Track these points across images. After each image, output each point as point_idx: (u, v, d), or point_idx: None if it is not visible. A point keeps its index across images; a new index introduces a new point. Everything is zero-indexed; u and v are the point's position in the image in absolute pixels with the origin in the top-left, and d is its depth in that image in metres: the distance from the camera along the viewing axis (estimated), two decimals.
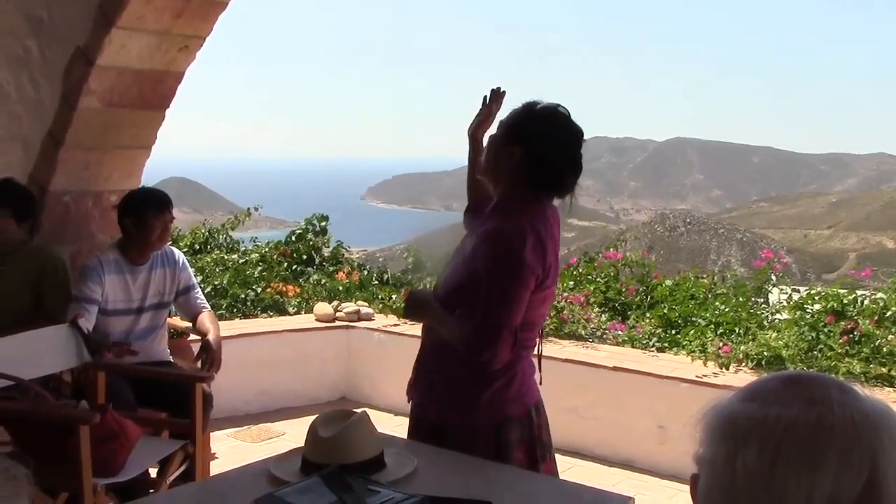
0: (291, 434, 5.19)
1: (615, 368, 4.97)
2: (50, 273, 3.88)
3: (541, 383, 2.61)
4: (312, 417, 5.37)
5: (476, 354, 2.33)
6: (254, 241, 8.31)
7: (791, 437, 0.93)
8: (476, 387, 2.42)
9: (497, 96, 2.72)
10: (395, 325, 6.07)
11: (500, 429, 2.43)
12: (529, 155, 2.38)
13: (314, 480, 2.03)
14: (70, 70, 3.92)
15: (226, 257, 7.36)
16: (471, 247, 2.43)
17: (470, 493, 2.05)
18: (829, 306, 5.10)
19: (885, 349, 4.70)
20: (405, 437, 2.63)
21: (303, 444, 2.31)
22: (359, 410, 2.37)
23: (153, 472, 3.59)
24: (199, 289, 4.20)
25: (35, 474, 0.99)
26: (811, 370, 4.45)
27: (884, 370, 4.59)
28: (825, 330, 4.97)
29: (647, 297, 6.28)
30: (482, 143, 2.66)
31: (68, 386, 3.73)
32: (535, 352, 2.61)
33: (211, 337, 3.92)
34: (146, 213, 3.79)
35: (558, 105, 2.43)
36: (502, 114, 2.55)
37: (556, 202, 2.48)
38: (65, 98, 3.96)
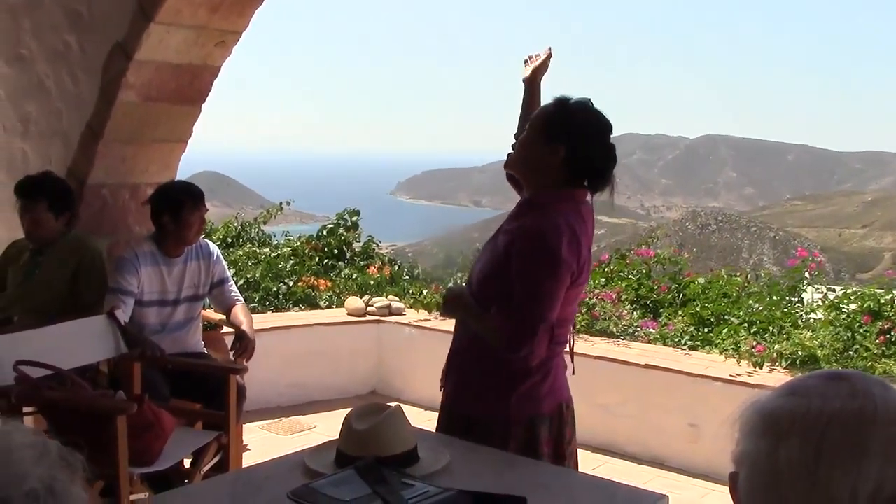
0: (323, 427, 5.22)
1: (647, 366, 4.95)
2: (87, 264, 3.93)
3: (573, 373, 2.64)
4: (343, 411, 5.39)
5: (514, 351, 2.35)
6: (285, 236, 8.38)
7: (834, 429, 0.93)
8: (511, 381, 2.44)
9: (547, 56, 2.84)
10: (426, 320, 6.09)
11: (532, 424, 2.45)
12: (572, 152, 2.40)
13: (349, 473, 2.04)
14: (109, 64, 3.97)
15: (258, 251, 7.43)
16: (504, 243, 2.44)
17: (503, 488, 2.05)
18: (865, 306, 5.04)
19: None
20: (434, 429, 2.64)
21: (335, 437, 2.33)
22: (392, 405, 2.38)
23: (186, 463, 3.63)
24: (232, 281, 4.24)
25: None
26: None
27: None
28: (861, 330, 4.91)
29: (679, 295, 6.24)
30: (539, 88, 2.75)
31: (105, 377, 3.78)
32: (567, 347, 2.61)
33: (245, 328, 3.95)
34: (183, 208, 3.81)
35: (588, 100, 2.48)
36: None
37: (589, 198, 2.50)
38: (103, 92, 4.01)
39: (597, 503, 2.10)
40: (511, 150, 2.59)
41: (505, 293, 2.37)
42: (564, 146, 2.40)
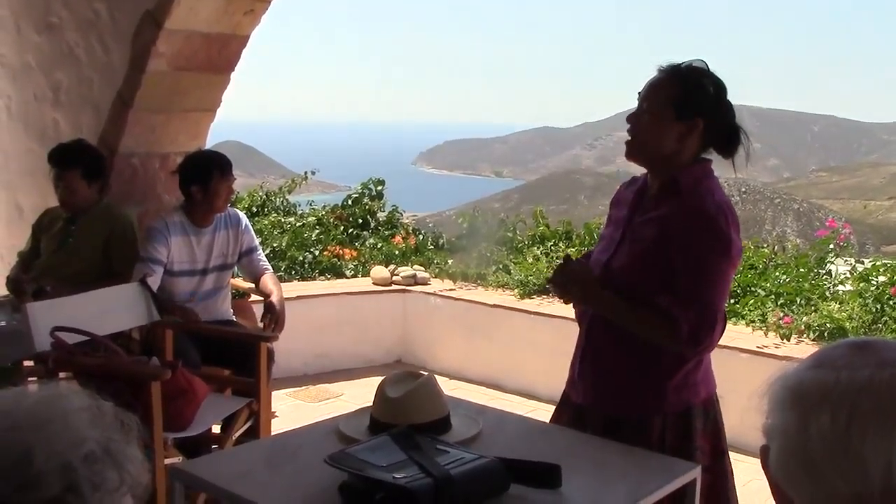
0: (349, 395, 5.27)
1: None
2: (119, 233, 3.97)
3: None
4: (369, 379, 5.44)
5: (697, 344, 2.21)
6: (310, 205, 8.40)
7: (865, 398, 0.93)
8: (664, 374, 2.30)
9: None
10: (451, 289, 6.12)
11: (688, 415, 2.33)
12: (711, 123, 2.26)
13: (383, 439, 2.06)
14: (139, 33, 3.98)
15: (283, 220, 7.46)
16: (655, 232, 2.26)
17: (536, 455, 2.06)
18: (894, 278, 5.00)
19: None
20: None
21: (362, 405, 2.35)
22: (424, 373, 2.40)
23: (215, 429, 3.68)
24: (261, 250, 4.26)
25: None
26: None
27: None
28: (890, 302, 4.88)
29: None
30: None
31: (137, 343, 3.83)
32: None
33: (274, 298, 3.98)
34: (211, 178, 3.83)
35: (696, 60, 2.29)
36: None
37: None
38: (133, 61, 4.03)
39: (629, 471, 2.11)
40: (628, 135, 2.35)
41: (660, 285, 2.23)
42: (702, 118, 2.24)
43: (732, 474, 2.50)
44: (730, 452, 4.67)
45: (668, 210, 2.26)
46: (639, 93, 2.32)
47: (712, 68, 2.31)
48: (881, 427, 0.91)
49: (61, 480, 0.85)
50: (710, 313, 2.20)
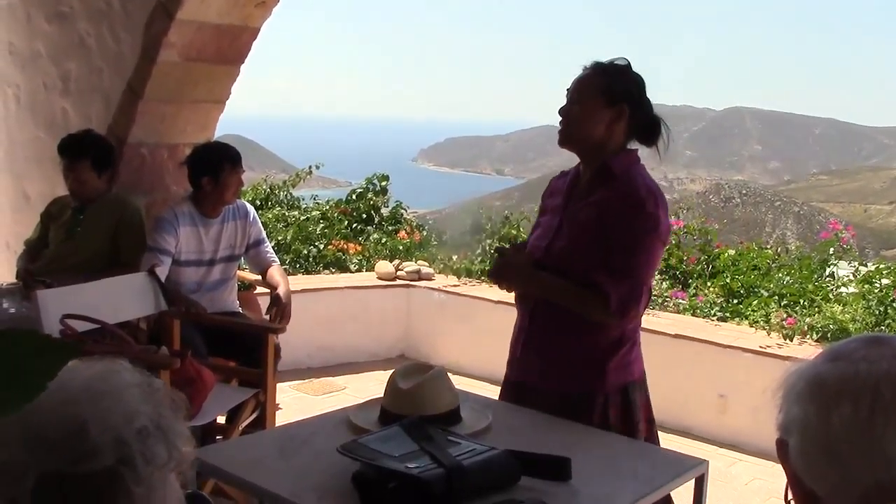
0: (353, 388, 5.29)
1: (677, 336, 4.96)
2: (127, 223, 3.98)
3: None
4: (373, 373, 5.44)
5: (623, 316, 2.40)
6: (314, 199, 8.42)
7: (885, 388, 0.95)
8: (604, 353, 2.48)
9: None
10: (455, 285, 6.13)
11: (627, 391, 2.50)
12: (635, 109, 2.46)
13: (395, 430, 2.07)
14: (151, 23, 3.98)
15: (287, 214, 7.47)
16: (590, 216, 2.44)
17: (545, 448, 2.08)
18: None
19: None
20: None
21: (366, 398, 2.37)
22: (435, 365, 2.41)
23: (219, 420, 3.69)
24: (268, 242, 4.27)
25: None
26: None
27: None
28: (894, 305, 4.90)
29: (708, 267, 6.23)
30: None
31: (144, 333, 3.84)
32: None
33: (281, 290, 3.98)
34: (222, 170, 3.83)
35: (618, 58, 2.53)
36: (565, 82, 2.56)
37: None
38: (144, 51, 4.03)
39: (638, 466, 2.13)
40: (560, 126, 2.54)
41: (597, 263, 2.39)
42: (627, 104, 2.45)
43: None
44: (733, 452, 4.70)
45: (603, 194, 2.45)
46: (567, 89, 2.54)
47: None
48: None
49: (115, 453, 0.87)
50: (637, 287, 2.39)
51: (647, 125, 2.50)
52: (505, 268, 2.59)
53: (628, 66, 2.50)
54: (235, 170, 3.88)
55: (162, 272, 3.74)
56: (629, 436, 2.43)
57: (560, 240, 2.52)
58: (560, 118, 2.54)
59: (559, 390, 2.50)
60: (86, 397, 0.89)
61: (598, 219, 2.42)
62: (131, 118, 4.16)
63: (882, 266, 5.37)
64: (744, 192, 57.22)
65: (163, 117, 4.27)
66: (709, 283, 5.92)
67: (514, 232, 6.98)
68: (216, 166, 3.83)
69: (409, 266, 6.29)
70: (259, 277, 4.30)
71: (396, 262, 6.41)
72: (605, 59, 2.52)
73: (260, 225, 4.21)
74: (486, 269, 6.29)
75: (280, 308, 3.91)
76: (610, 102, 2.44)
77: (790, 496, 1.06)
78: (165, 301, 3.66)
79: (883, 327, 4.76)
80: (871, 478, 0.94)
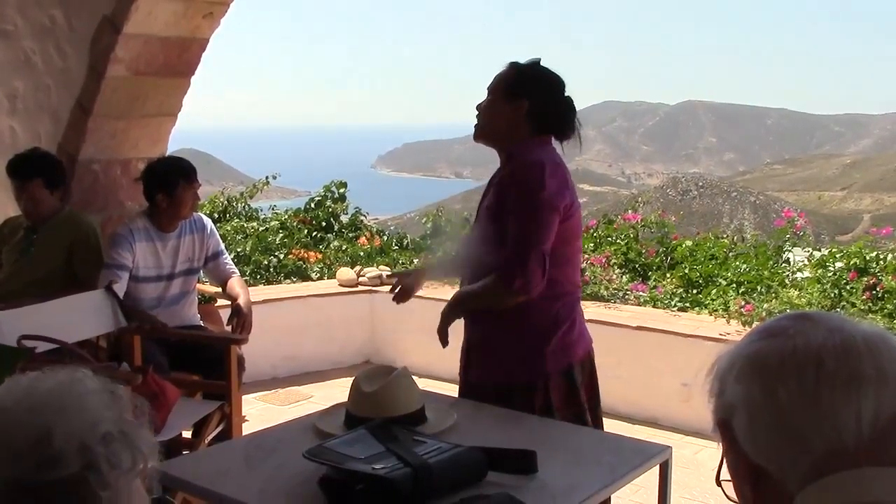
0: (319, 396, 5.27)
1: (639, 328, 5.01)
2: (82, 240, 3.93)
3: None
4: (339, 381, 5.41)
5: (508, 284, 2.41)
6: (272, 209, 8.38)
7: (827, 360, 0.97)
8: (541, 338, 2.52)
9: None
10: None
11: (569, 373, 2.55)
12: (534, 104, 2.55)
13: (361, 432, 2.08)
14: (97, 38, 3.95)
15: (245, 225, 7.43)
16: (493, 196, 2.56)
17: (511, 443, 2.10)
18: (851, 263, 5.12)
19: None
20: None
21: (337, 402, 2.37)
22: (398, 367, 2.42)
23: (185, 434, 3.66)
24: (227, 254, 4.25)
25: None
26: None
27: None
28: (847, 287, 5.00)
29: (667, 258, 6.31)
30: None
31: (104, 351, 3.80)
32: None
33: (242, 301, 3.97)
34: (176, 186, 3.80)
35: (538, 59, 2.64)
36: (485, 80, 2.68)
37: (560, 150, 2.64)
38: (92, 67, 3.99)
39: (603, 455, 2.15)
40: (476, 122, 2.69)
41: (502, 245, 2.46)
42: (526, 99, 2.55)
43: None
44: (699, 440, 4.76)
45: (500, 176, 2.59)
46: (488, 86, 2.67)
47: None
48: (847, 383, 0.95)
49: (80, 459, 0.88)
50: (523, 253, 2.40)
51: (551, 119, 2.58)
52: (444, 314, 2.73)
53: (536, 64, 2.62)
54: (190, 185, 3.85)
55: (119, 288, 3.70)
56: (576, 418, 2.49)
57: (475, 231, 2.65)
58: (476, 114, 2.69)
59: (500, 383, 2.57)
60: (50, 406, 0.91)
61: (496, 199, 2.53)
62: (82, 135, 4.11)
63: (835, 250, 5.48)
64: (700, 184, 57.99)
65: (114, 133, 4.23)
66: (668, 275, 6.00)
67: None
68: (170, 182, 3.80)
69: (371, 272, 6.28)
70: (219, 290, 4.27)
71: (358, 268, 6.40)
72: (515, 59, 2.67)
73: (218, 237, 4.18)
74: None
75: (241, 319, 3.89)
76: (510, 97, 2.56)
77: (722, 476, 1.07)
78: (124, 317, 3.62)
79: (838, 309, 4.85)
80: (822, 446, 0.96)
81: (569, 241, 2.54)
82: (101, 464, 0.89)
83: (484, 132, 2.66)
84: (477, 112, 2.68)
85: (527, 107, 2.55)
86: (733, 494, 1.07)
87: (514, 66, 2.63)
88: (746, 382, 1.01)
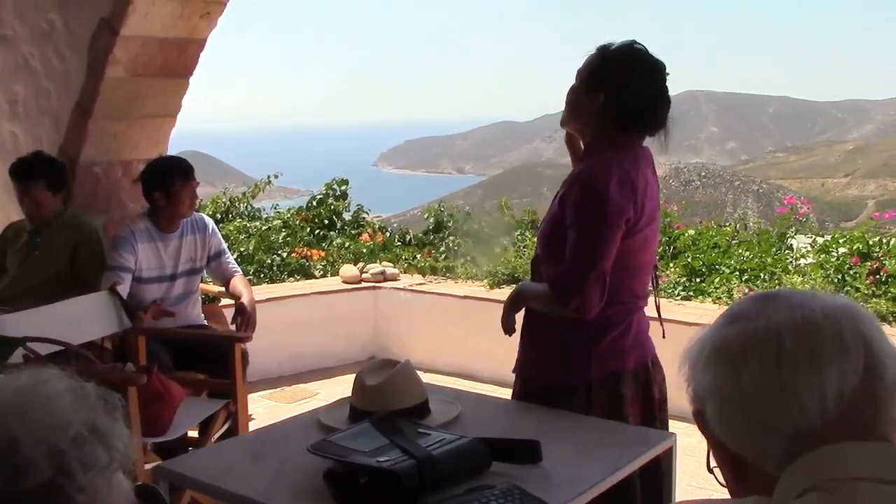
0: (325, 393, 5.28)
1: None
2: (85, 243, 3.95)
3: (664, 336, 2.54)
4: (344, 377, 5.42)
5: (564, 303, 2.27)
6: (275, 208, 8.39)
7: (787, 339, 0.97)
8: (589, 340, 2.37)
9: None
10: (421, 283, 6.15)
11: (615, 382, 2.38)
12: (611, 97, 2.35)
13: (365, 426, 2.08)
14: (95, 41, 3.95)
15: (248, 225, 7.44)
16: (559, 197, 2.39)
17: (516, 433, 2.10)
18: (854, 248, 5.12)
19: None
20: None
21: (347, 396, 2.38)
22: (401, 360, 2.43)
23: (191, 434, 3.67)
24: (229, 253, 4.27)
25: None
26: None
27: None
28: (851, 272, 4.99)
29: (670, 248, 6.30)
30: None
31: (109, 353, 3.82)
32: (650, 302, 2.54)
33: (245, 300, 3.98)
34: (173, 184, 3.83)
35: (633, 42, 2.40)
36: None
37: (647, 143, 2.44)
38: (91, 69, 4.00)
39: (608, 444, 2.16)
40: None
41: (562, 247, 2.32)
42: (603, 92, 2.35)
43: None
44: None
45: (569, 177, 2.39)
46: None
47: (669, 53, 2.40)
48: (808, 362, 0.96)
49: (51, 465, 0.86)
50: (575, 272, 2.26)
51: (631, 115, 2.37)
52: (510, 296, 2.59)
53: (622, 51, 2.38)
54: (188, 182, 3.87)
55: (123, 290, 3.72)
56: None
57: (541, 229, 2.50)
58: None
59: (544, 382, 2.45)
60: (14, 412, 0.88)
61: (560, 199, 2.37)
62: (82, 137, 4.12)
63: (838, 235, 5.47)
64: (703, 174, 57.86)
65: (114, 134, 4.24)
66: (671, 264, 5.99)
67: (475, 227, 7.02)
68: (167, 180, 3.83)
69: (374, 268, 6.29)
70: (223, 289, 4.28)
71: (361, 264, 6.41)
72: (611, 41, 2.42)
73: (220, 236, 4.20)
74: (450, 265, 6.32)
75: (245, 317, 3.91)
76: (588, 88, 2.39)
77: (713, 464, 1.08)
78: (129, 318, 3.64)
79: (842, 294, 4.85)
80: (791, 428, 0.96)
81: (634, 253, 2.35)
82: (74, 467, 0.86)
83: (565, 120, 2.51)
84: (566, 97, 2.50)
85: (602, 100, 2.35)
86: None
87: (599, 52, 2.40)
88: (713, 372, 1.02)
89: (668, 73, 2.40)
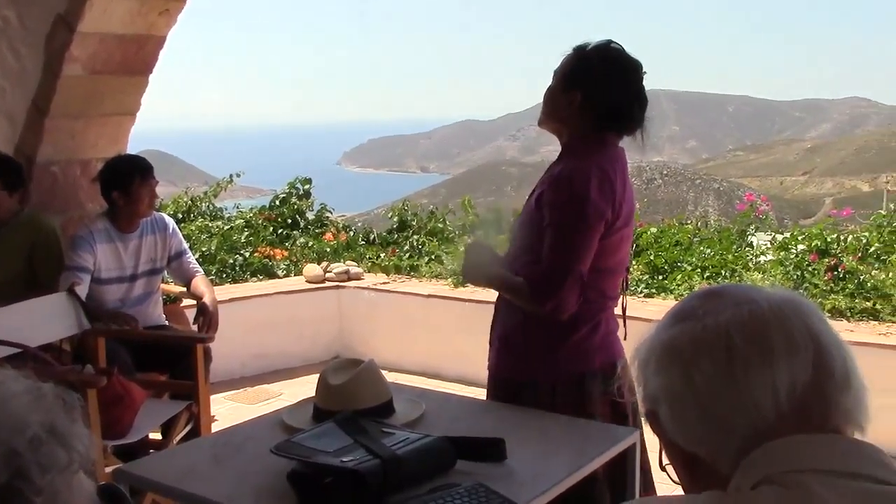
0: (289, 394, 5.25)
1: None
2: (42, 243, 3.88)
3: (625, 339, 2.51)
4: (308, 377, 5.39)
5: (541, 304, 2.27)
6: (237, 208, 8.31)
7: (736, 336, 0.98)
8: (556, 338, 2.37)
9: None
10: (385, 282, 6.13)
11: (582, 381, 2.38)
12: (588, 96, 2.35)
13: (329, 426, 2.07)
14: (52, 37, 3.88)
15: (210, 224, 7.36)
16: (536, 196, 2.38)
17: (480, 432, 2.10)
18: (813, 245, 5.19)
19: (868, 284, 4.80)
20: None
21: (311, 396, 2.36)
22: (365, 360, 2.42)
23: (152, 436, 3.62)
24: (190, 253, 4.22)
25: None
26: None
27: (868, 304, 4.69)
28: (810, 268, 5.07)
29: (632, 246, 6.34)
30: None
31: (68, 354, 3.76)
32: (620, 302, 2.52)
33: (207, 300, 3.95)
34: (132, 183, 3.78)
35: (610, 42, 2.41)
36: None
37: (623, 144, 2.45)
38: (48, 66, 3.92)
39: (572, 440, 2.16)
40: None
41: (537, 246, 2.32)
42: (580, 91, 2.35)
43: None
44: None
45: (548, 175, 2.39)
46: None
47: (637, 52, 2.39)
48: (759, 357, 0.97)
49: (7, 468, 0.83)
50: (552, 274, 2.26)
51: (609, 114, 2.37)
52: (465, 265, 2.57)
53: (600, 51, 2.38)
54: (147, 181, 3.82)
55: (82, 290, 3.67)
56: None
57: (517, 225, 2.50)
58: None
59: (509, 378, 2.46)
60: None
61: (537, 199, 2.36)
62: (39, 136, 4.05)
63: (797, 232, 5.55)
64: (665, 172, 58.47)
65: (72, 133, 4.17)
66: (634, 262, 6.03)
67: (439, 226, 7.02)
68: (126, 179, 3.78)
69: (338, 267, 6.26)
70: (184, 289, 4.24)
71: (324, 264, 6.38)
72: (588, 40, 2.42)
73: (181, 236, 4.16)
74: (414, 264, 6.32)
75: (207, 317, 3.87)
76: (565, 87, 2.39)
77: (665, 462, 1.08)
78: (87, 319, 3.58)
79: (801, 290, 4.92)
80: (746, 425, 0.97)
81: (608, 254, 2.35)
82: (32, 469, 0.84)
83: (543, 120, 2.49)
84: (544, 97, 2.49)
85: (579, 100, 2.35)
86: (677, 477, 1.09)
87: (575, 52, 2.40)
88: (664, 373, 1.02)
89: (645, 73, 2.41)
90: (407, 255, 6.64)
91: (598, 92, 2.35)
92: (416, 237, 7.03)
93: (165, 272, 4.16)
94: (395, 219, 7.61)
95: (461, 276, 2.62)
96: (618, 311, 2.56)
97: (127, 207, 3.82)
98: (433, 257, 6.39)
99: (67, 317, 3.55)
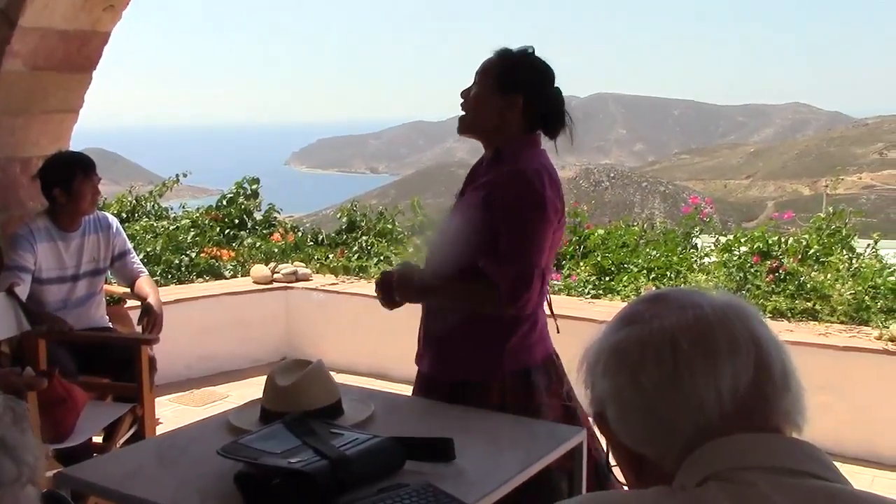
0: (235, 396, 5.19)
1: (552, 315, 5.07)
2: None
3: (558, 331, 2.57)
4: (255, 379, 5.35)
5: (514, 301, 2.31)
6: (183, 208, 8.19)
7: (681, 340, 1.00)
8: (500, 336, 2.41)
9: None
10: (333, 283, 6.11)
11: (527, 374, 2.44)
12: (530, 100, 2.41)
13: (276, 427, 2.05)
14: None
15: (155, 224, 7.25)
16: (480, 197, 2.38)
17: (428, 432, 2.10)
18: (755, 247, 5.30)
19: (808, 285, 4.91)
20: None
21: (258, 397, 2.34)
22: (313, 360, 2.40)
23: (95, 439, 3.56)
24: (134, 253, 4.15)
25: None
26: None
27: (808, 305, 4.79)
28: (752, 270, 5.16)
29: (580, 247, 6.40)
30: None
31: (7, 356, 3.67)
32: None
33: (151, 300, 3.88)
34: (73, 179, 3.71)
35: (528, 48, 2.47)
36: (473, 67, 2.49)
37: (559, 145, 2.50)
38: None
39: (519, 439, 2.18)
40: (462, 113, 2.52)
41: (488, 248, 2.33)
42: (522, 95, 2.40)
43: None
44: None
45: (490, 176, 2.41)
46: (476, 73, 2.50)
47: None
48: (703, 358, 0.99)
49: None
50: (526, 271, 2.31)
51: (546, 116, 2.45)
52: (392, 290, 2.56)
53: (531, 55, 2.46)
54: (88, 178, 3.75)
55: (22, 291, 3.58)
56: (535, 416, 2.38)
57: (443, 236, 2.52)
58: (461, 103, 2.51)
59: (456, 380, 2.47)
60: None
61: (485, 200, 2.37)
62: None
63: (740, 234, 5.66)
64: (612, 175, 59.15)
65: (12, 130, 4.08)
66: (581, 263, 6.09)
67: (388, 227, 7.01)
68: (67, 175, 3.70)
69: (286, 268, 6.22)
70: (128, 290, 4.16)
71: (272, 264, 6.33)
72: (505, 46, 2.48)
73: (124, 236, 4.09)
74: (363, 265, 6.29)
75: (151, 318, 3.81)
76: (503, 90, 2.41)
77: (613, 462, 1.10)
78: (28, 321, 3.50)
79: (744, 291, 5.01)
80: (691, 426, 0.99)
81: (551, 251, 2.44)
82: None
83: (471, 125, 2.50)
84: (462, 101, 2.50)
85: (521, 103, 2.40)
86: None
87: (507, 56, 2.45)
88: (612, 376, 1.04)
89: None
90: (356, 256, 6.62)
91: (536, 95, 2.43)
92: (364, 238, 7.01)
93: (109, 273, 4.08)
94: (344, 219, 7.58)
95: (385, 302, 2.63)
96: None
97: (69, 205, 3.74)
98: (382, 258, 6.38)
99: (6, 318, 3.46)
